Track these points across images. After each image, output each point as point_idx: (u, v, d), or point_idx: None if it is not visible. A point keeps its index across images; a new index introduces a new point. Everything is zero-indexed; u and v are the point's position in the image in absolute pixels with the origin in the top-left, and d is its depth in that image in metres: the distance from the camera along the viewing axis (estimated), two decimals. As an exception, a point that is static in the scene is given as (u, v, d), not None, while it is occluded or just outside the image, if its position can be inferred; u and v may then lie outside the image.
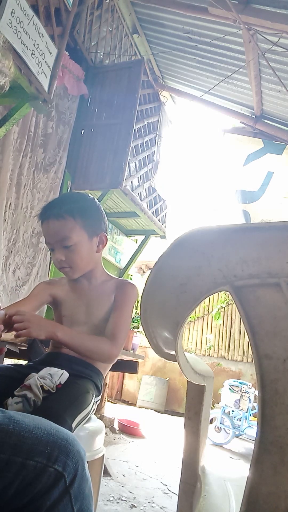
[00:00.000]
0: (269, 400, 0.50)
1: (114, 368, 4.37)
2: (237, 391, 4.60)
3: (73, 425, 0.96)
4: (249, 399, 4.54)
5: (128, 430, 4.10)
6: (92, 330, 1.24)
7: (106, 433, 3.67)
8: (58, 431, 0.73)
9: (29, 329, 0.96)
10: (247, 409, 4.48)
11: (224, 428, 4.47)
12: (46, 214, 1.21)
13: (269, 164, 4.17)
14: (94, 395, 1.15)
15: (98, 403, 1.23)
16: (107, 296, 1.27)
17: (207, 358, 7.37)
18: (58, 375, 1.05)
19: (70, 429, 0.93)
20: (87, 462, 0.75)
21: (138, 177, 3.69)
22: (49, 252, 1.30)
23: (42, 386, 1.00)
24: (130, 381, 7.68)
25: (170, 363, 0.85)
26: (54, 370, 1.08)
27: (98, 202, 1.32)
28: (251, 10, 3.00)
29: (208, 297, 1.12)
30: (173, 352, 0.62)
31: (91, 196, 1.33)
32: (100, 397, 1.24)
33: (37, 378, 1.02)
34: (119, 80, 3.63)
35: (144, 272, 7.96)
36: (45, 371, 1.06)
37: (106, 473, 2.49)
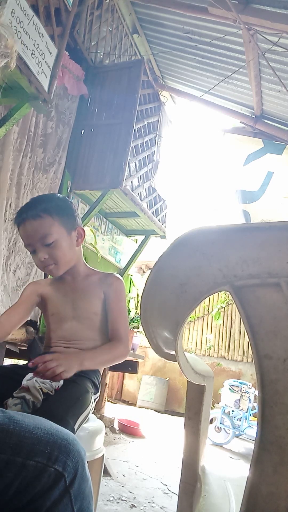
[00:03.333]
0: (269, 400, 0.50)
1: (114, 368, 4.36)
2: (237, 391, 4.60)
3: (76, 426, 0.96)
4: (249, 399, 4.54)
5: (128, 430, 4.10)
6: (80, 324, 1.26)
7: (106, 433, 3.67)
8: (58, 431, 0.73)
9: (64, 372, 1.01)
10: (247, 409, 4.48)
11: (224, 428, 4.47)
12: (22, 217, 1.23)
13: (269, 164, 4.17)
14: (92, 393, 1.15)
15: (96, 400, 1.23)
16: (93, 290, 1.30)
17: (207, 358, 7.37)
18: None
19: (73, 431, 0.93)
20: (87, 462, 0.75)
21: (138, 177, 3.69)
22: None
23: (41, 389, 1.00)
24: (130, 381, 7.68)
25: (170, 363, 0.85)
26: None
27: (69, 200, 1.37)
28: (251, 10, 3.00)
29: (208, 297, 1.12)
30: (173, 352, 0.62)
31: (60, 195, 1.38)
32: (98, 394, 1.24)
33: (36, 381, 1.02)
34: (119, 80, 3.62)
35: (144, 272, 7.95)
36: None
37: (106, 473, 2.49)
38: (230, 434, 4.39)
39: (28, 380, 1.03)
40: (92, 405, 1.15)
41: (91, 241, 3.66)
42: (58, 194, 1.38)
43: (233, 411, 4.55)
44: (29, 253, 1.28)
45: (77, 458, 0.71)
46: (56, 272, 1.26)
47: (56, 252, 1.22)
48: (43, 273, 3.17)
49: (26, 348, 2.89)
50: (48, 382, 1.03)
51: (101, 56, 3.97)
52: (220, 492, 0.84)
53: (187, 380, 0.78)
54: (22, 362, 3.15)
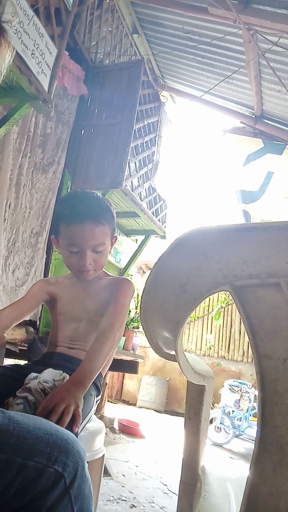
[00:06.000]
0: (269, 400, 0.50)
1: (114, 368, 4.36)
2: (237, 391, 4.60)
3: (78, 430, 0.96)
4: (249, 399, 4.54)
5: (128, 430, 4.10)
6: (87, 325, 1.26)
7: (106, 433, 3.67)
8: (58, 431, 0.73)
9: (76, 408, 0.91)
10: (247, 409, 4.48)
11: (224, 428, 4.47)
12: (84, 216, 1.16)
13: (269, 164, 4.17)
14: (94, 395, 1.15)
15: (98, 402, 1.23)
16: (104, 292, 1.28)
17: (207, 358, 7.37)
18: (60, 380, 1.04)
19: (76, 434, 0.92)
20: (87, 462, 0.75)
21: (138, 177, 3.69)
22: (65, 253, 1.24)
23: (44, 390, 0.99)
24: (130, 381, 7.68)
25: (170, 363, 0.85)
26: (54, 372, 1.07)
27: None
28: (251, 10, 3.00)
29: (208, 297, 1.12)
30: (173, 352, 0.62)
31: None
32: (100, 396, 1.24)
33: (39, 382, 1.00)
34: (119, 80, 3.62)
35: (144, 272, 7.95)
36: (49, 375, 1.05)
37: (106, 473, 2.49)
38: (230, 434, 4.39)
39: (31, 379, 1.02)
40: (94, 407, 1.15)
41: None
42: (104, 198, 1.28)
43: (233, 411, 4.55)
44: (71, 252, 1.20)
45: (77, 458, 0.71)
46: (91, 276, 1.26)
47: (101, 259, 1.23)
48: (42, 273, 3.16)
49: (26, 348, 2.89)
50: (51, 381, 1.02)
51: (101, 56, 3.97)
52: (220, 492, 0.84)
53: (187, 380, 0.78)
54: (22, 362, 3.15)
